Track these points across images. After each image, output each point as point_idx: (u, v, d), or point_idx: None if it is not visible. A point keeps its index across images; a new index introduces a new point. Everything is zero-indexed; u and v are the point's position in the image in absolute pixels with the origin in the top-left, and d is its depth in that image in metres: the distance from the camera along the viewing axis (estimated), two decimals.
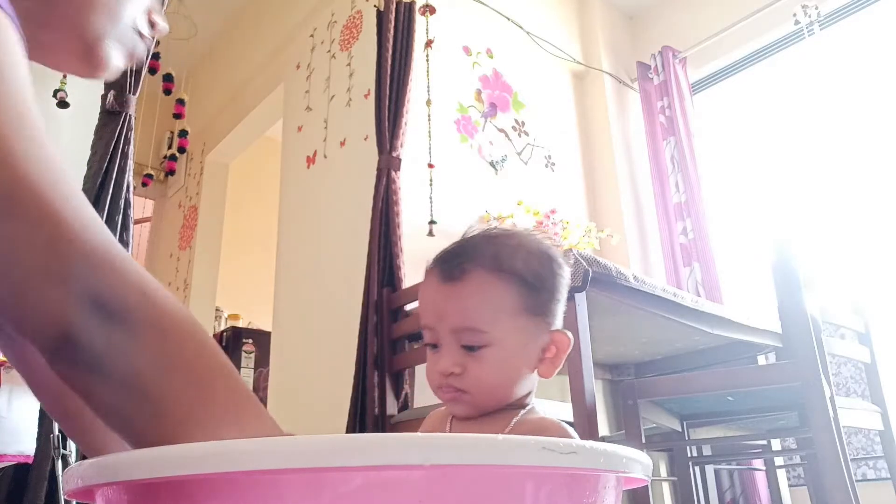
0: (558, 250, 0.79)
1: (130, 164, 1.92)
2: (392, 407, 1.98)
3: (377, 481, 0.38)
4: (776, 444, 2.23)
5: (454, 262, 0.73)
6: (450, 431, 0.74)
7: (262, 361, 3.73)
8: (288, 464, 0.36)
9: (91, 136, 1.91)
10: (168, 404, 0.47)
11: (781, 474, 2.27)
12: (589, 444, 0.42)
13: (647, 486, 0.55)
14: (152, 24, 0.74)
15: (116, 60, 0.71)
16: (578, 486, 0.44)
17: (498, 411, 0.72)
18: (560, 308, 0.76)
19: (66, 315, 0.45)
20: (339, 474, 0.37)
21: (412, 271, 2.15)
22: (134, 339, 0.46)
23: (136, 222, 3.54)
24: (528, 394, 0.74)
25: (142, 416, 0.47)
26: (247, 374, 3.77)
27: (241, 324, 3.99)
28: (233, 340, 3.80)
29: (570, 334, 0.76)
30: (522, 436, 0.40)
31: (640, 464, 0.48)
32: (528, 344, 0.73)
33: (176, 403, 0.47)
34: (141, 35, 0.72)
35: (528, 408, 0.73)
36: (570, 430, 0.68)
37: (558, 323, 0.76)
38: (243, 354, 3.79)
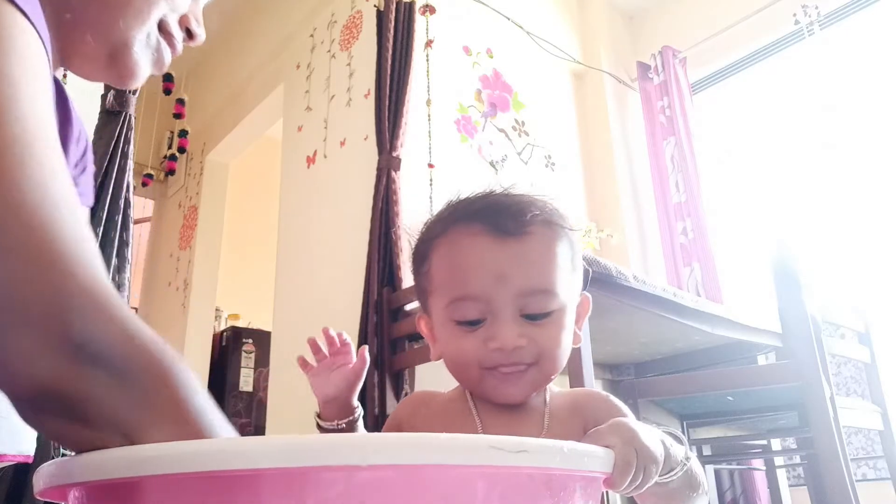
0: None
1: (130, 163, 1.92)
2: (392, 407, 1.98)
3: (315, 482, 0.37)
4: (776, 444, 2.23)
5: (513, 214, 0.63)
6: (480, 422, 0.66)
7: (262, 361, 3.73)
8: (258, 464, 0.36)
9: (91, 136, 1.91)
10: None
11: (781, 474, 2.27)
12: (541, 442, 0.41)
13: None
14: (189, 33, 0.70)
15: (144, 67, 0.67)
16: (536, 486, 0.43)
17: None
18: None
19: (48, 364, 0.40)
20: (278, 475, 0.37)
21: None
22: (120, 386, 0.42)
23: (136, 222, 3.53)
24: None
25: None
26: (247, 375, 3.78)
27: (241, 324, 3.99)
28: (233, 340, 3.80)
29: (589, 295, 0.70)
30: (473, 435, 0.39)
31: (607, 462, 0.46)
32: (575, 307, 0.67)
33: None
34: (169, 40, 0.69)
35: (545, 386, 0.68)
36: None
37: None
38: (243, 354, 3.80)
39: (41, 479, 0.44)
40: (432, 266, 0.67)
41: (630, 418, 0.58)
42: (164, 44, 0.69)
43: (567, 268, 0.65)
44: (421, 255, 0.69)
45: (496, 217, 0.63)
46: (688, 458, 0.56)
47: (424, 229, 0.70)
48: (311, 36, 3.19)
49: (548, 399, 0.67)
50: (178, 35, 0.69)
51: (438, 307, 0.66)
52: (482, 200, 0.66)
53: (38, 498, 0.46)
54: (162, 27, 0.68)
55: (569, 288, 0.65)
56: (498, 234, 0.62)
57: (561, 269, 0.64)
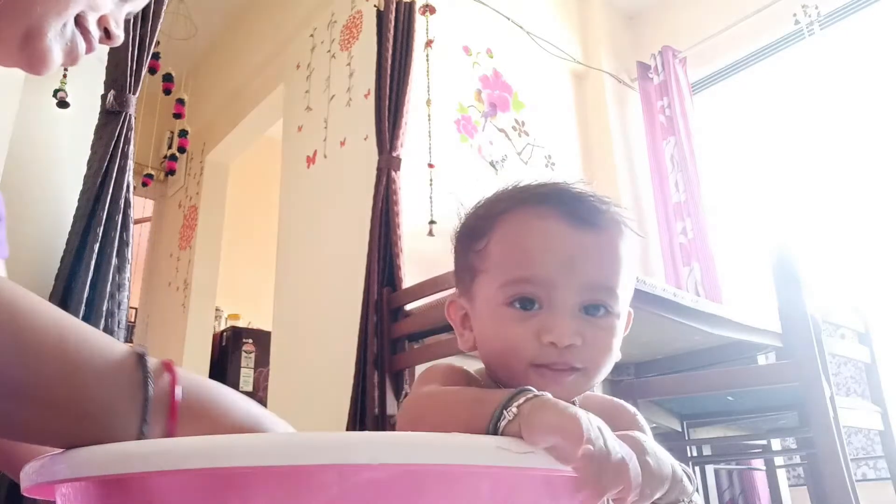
0: None
1: (130, 163, 1.92)
2: (392, 407, 1.98)
3: (322, 482, 0.37)
4: (776, 444, 2.23)
5: (587, 204, 0.60)
6: None
7: (262, 361, 3.73)
8: (249, 462, 0.35)
9: (91, 136, 1.91)
10: None
11: (781, 474, 2.27)
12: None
13: None
14: (107, 32, 0.71)
15: (56, 56, 0.68)
16: (536, 486, 0.43)
17: None
18: None
19: None
20: (281, 474, 0.36)
21: (412, 271, 2.14)
22: None
23: (136, 222, 3.53)
24: None
25: None
26: (247, 375, 3.78)
27: (241, 324, 3.99)
28: (233, 340, 3.80)
29: (632, 311, 0.67)
30: (481, 436, 0.39)
31: None
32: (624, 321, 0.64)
33: None
34: (86, 36, 0.69)
35: None
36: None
37: None
38: (243, 354, 3.80)
39: (27, 476, 0.43)
40: (491, 243, 0.62)
41: (649, 437, 0.57)
42: (79, 37, 0.69)
43: (629, 276, 0.62)
44: (478, 231, 0.64)
45: (571, 203, 0.60)
46: (691, 495, 0.56)
47: (484, 205, 0.66)
48: (311, 36, 3.19)
49: (577, 404, 0.65)
50: (95, 33, 0.70)
51: (490, 288, 0.61)
52: (552, 186, 0.63)
53: (26, 496, 0.45)
54: (79, 22, 0.69)
55: (626, 298, 0.62)
56: (571, 221, 0.59)
57: (625, 273, 0.61)
